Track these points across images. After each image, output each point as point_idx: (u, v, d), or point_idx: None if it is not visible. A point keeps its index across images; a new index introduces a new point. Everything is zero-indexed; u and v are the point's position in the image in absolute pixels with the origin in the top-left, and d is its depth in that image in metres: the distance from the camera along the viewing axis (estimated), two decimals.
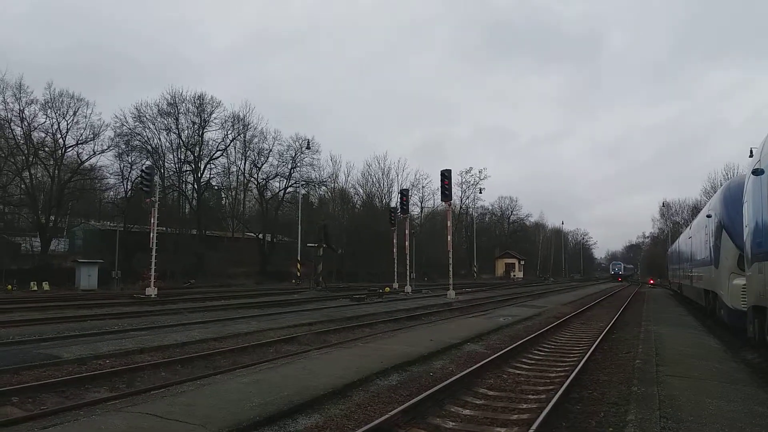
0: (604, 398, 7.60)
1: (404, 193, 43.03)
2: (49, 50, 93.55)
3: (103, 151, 46.68)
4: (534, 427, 5.75)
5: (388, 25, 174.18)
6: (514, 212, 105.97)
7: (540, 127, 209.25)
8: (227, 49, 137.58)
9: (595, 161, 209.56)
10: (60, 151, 45.51)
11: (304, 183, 57.75)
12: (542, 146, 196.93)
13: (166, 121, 50.23)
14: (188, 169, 52.88)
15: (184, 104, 50.80)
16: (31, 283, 34.04)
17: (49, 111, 43.86)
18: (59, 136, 45.02)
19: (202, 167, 52.80)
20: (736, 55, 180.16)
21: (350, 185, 70.21)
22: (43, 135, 45.11)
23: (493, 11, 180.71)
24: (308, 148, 53.43)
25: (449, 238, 34.31)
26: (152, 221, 30.68)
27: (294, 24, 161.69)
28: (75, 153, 46.62)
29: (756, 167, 9.19)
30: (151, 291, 27.95)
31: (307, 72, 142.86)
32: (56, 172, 44.71)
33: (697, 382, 8.27)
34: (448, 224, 34.98)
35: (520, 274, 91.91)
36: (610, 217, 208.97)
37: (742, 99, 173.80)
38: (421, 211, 76.45)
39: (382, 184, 70.60)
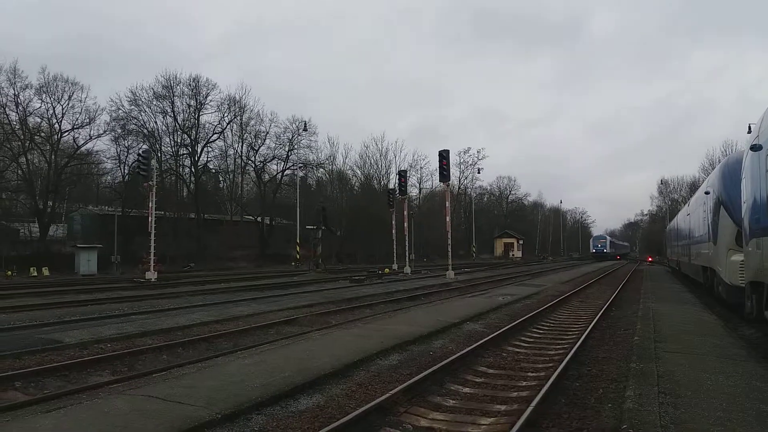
0: (602, 375, 7.66)
1: (402, 174, 42.80)
2: (38, 36, 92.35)
3: (99, 136, 46.37)
4: (533, 403, 5.80)
5: (377, 12, 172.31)
6: (512, 192, 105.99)
7: (534, 107, 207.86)
8: (221, 36, 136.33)
9: (591, 140, 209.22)
10: (56, 136, 45.18)
11: (301, 165, 57.48)
12: (538, 126, 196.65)
13: (161, 105, 49.78)
14: (185, 152, 52.67)
15: (179, 87, 50.22)
16: (31, 268, 34.02)
17: (44, 96, 43.42)
18: (55, 120, 44.74)
19: (199, 150, 52.51)
20: (723, 33, 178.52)
21: (348, 167, 70.16)
22: (38, 120, 44.83)
23: None
24: (305, 130, 52.90)
25: (448, 218, 34.42)
26: (150, 205, 30.70)
27: (286, 10, 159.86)
28: (71, 138, 46.30)
29: (754, 143, 9.14)
30: (151, 275, 28.03)
31: (302, 57, 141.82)
32: (53, 157, 44.41)
33: (695, 358, 8.32)
34: (447, 205, 35.02)
35: (519, 254, 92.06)
36: (608, 195, 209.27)
37: (733, 76, 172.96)
38: (420, 192, 76.52)
39: (380, 166, 70.51)
